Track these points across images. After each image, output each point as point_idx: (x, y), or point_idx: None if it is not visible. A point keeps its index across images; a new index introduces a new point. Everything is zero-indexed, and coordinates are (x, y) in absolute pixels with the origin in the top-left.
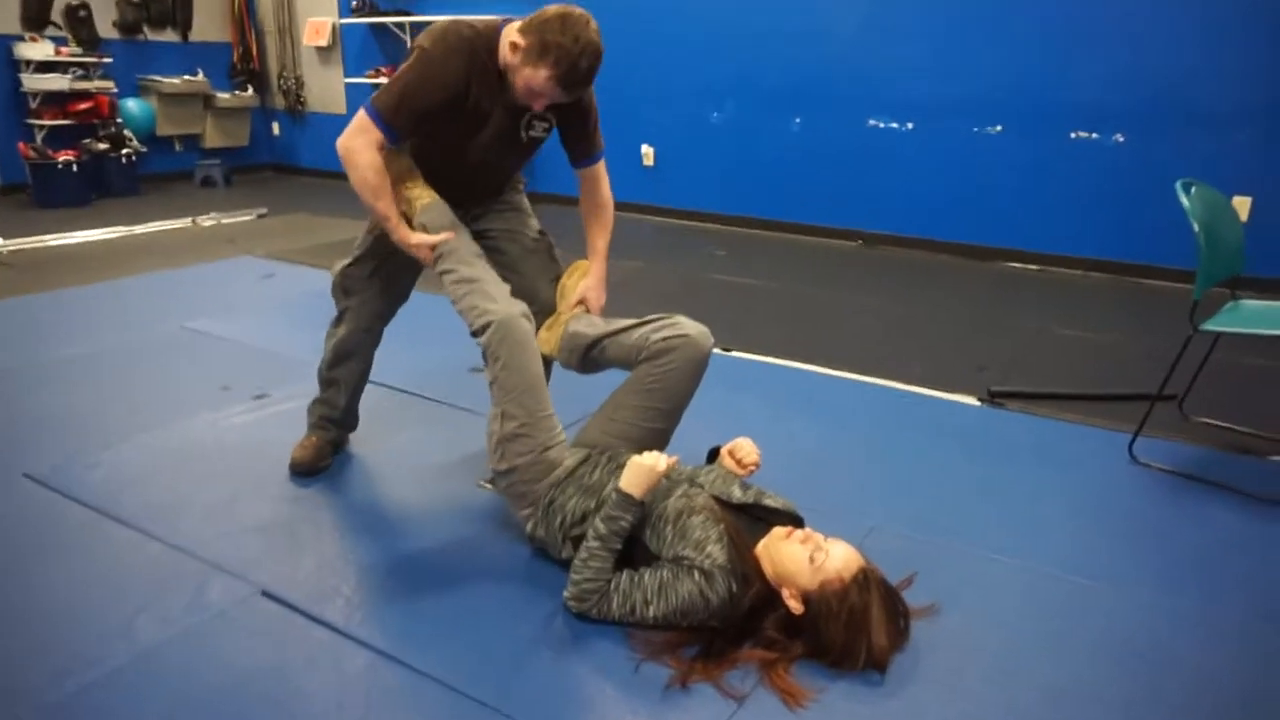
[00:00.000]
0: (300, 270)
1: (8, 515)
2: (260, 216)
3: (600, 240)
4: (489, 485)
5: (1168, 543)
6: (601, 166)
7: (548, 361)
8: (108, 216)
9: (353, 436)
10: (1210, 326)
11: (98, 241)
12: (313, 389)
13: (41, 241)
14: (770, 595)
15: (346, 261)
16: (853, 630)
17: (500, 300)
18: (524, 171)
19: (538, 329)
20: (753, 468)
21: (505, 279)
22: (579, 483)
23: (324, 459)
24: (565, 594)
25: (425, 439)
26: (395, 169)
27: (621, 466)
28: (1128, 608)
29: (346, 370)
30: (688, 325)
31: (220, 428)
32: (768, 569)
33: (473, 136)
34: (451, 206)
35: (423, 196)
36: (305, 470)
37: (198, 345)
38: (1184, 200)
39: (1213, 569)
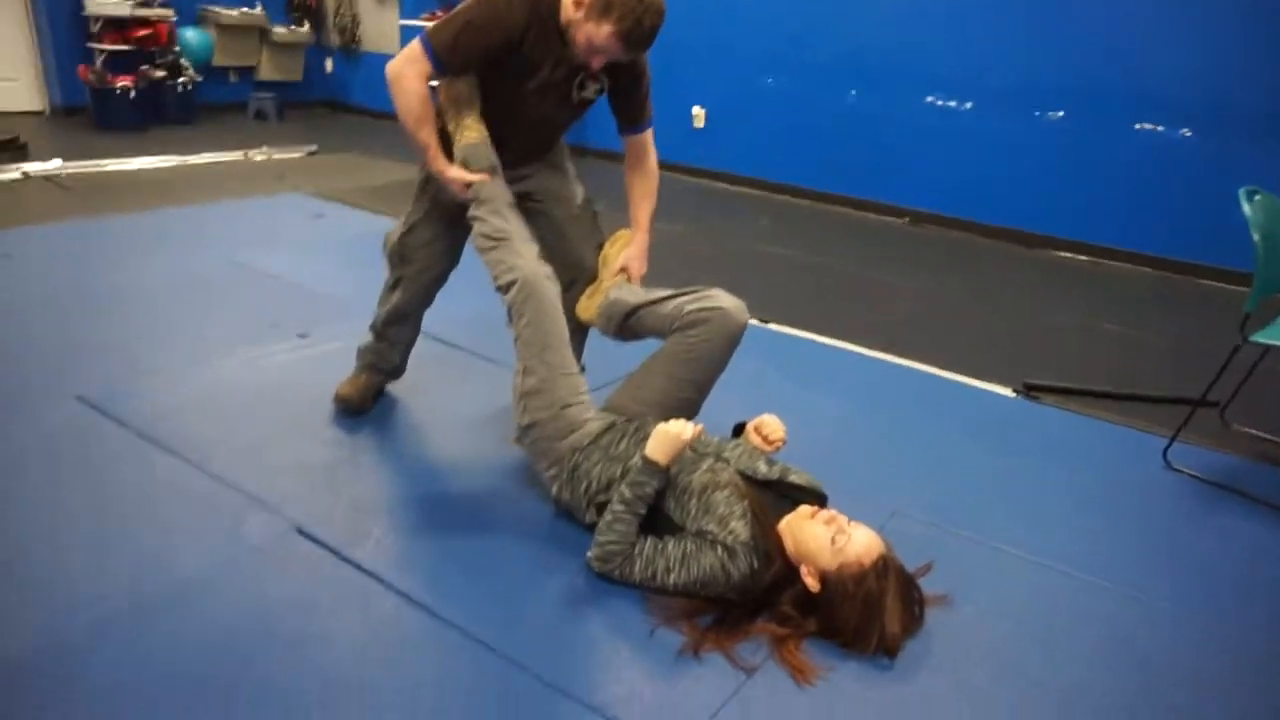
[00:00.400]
0: (348, 211)
1: (57, 434)
2: (311, 154)
3: (644, 210)
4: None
5: (1189, 551)
6: (649, 136)
7: (586, 329)
8: (163, 144)
9: (391, 385)
10: (1260, 339)
11: (152, 169)
12: (354, 330)
13: (99, 166)
14: (790, 572)
15: (403, 229)
16: (867, 615)
17: (526, 258)
18: (575, 128)
19: (579, 296)
20: (779, 444)
21: (550, 242)
22: (605, 450)
23: (368, 400)
24: (589, 554)
25: (461, 392)
26: (455, 90)
27: (648, 437)
28: (1137, 612)
29: (399, 332)
30: (723, 298)
31: (263, 365)
32: (789, 546)
33: (524, 90)
34: (499, 161)
35: (471, 130)
36: (351, 407)
37: (244, 280)
38: (1246, 208)
39: (1228, 580)
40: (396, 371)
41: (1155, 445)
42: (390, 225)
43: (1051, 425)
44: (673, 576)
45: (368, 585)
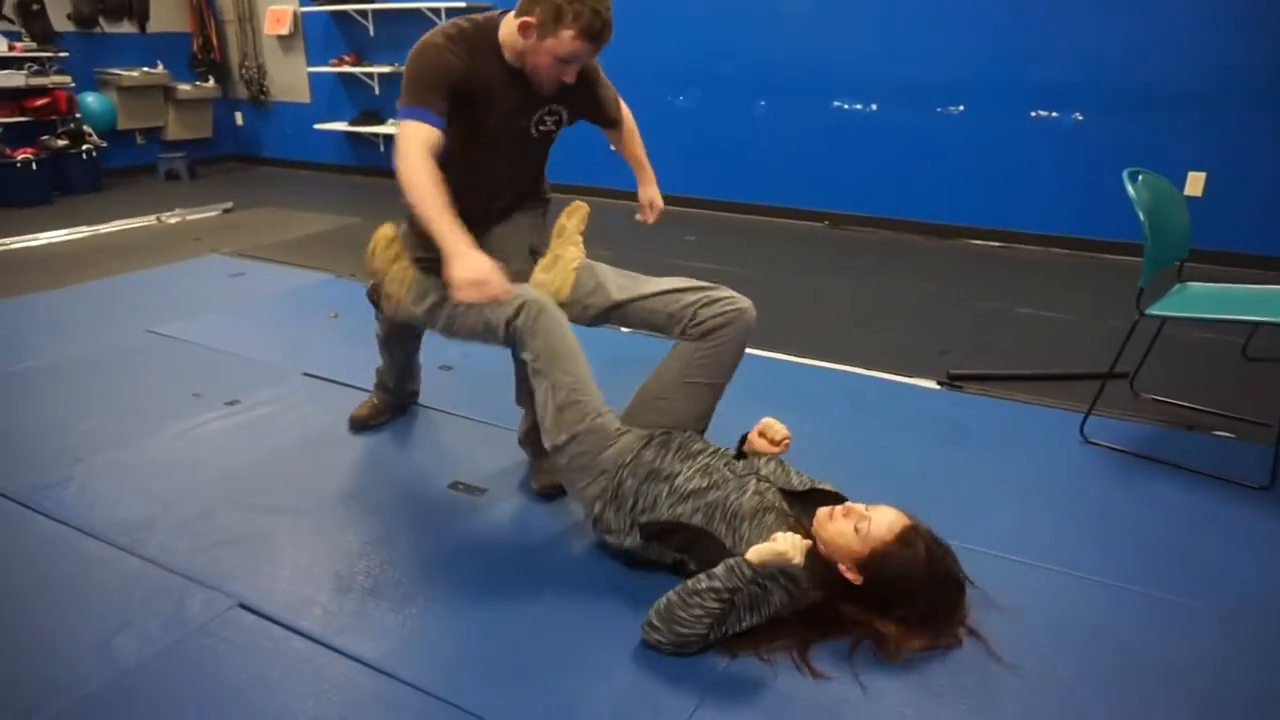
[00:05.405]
0: (269, 268)
1: None
2: (226, 211)
3: (640, 150)
4: (463, 487)
5: (1116, 523)
6: (625, 113)
7: None
8: (71, 216)
9: (326, 441)
10: (1155, 311)
11: (61, 243)
12: (285, 391)
13: (3, 246)
14: (839, 581)
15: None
16: (927, 577)
17: (524, 287)
18: None
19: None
20: (786, 443)
21: None
22: (649, 466)
23: (378, 416)
24: (659, 639)
25: (397, 441)
26: (396, 248)
27: (692, 455)
28: (1079, 590)
29: (396, 348)
30: (737, 297)
31: (192, 437)
32: (823, 553)
33: (485, 132)
34: (476, 216)
35: (408, 272)
36: (359, 426)
37: (166, 350)
38: (1130, 190)
39: (1157, 548)
40: (399, 392)
41: (1074, 422)
42: (311, 278)
43: (977, 413)
44: (745, 623)
45: (318, 653)
